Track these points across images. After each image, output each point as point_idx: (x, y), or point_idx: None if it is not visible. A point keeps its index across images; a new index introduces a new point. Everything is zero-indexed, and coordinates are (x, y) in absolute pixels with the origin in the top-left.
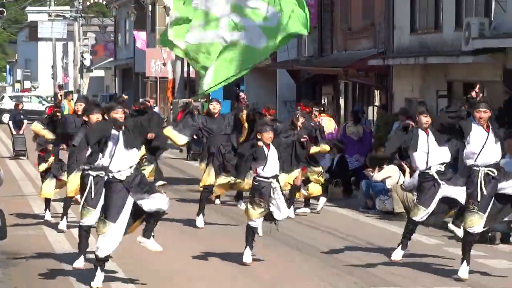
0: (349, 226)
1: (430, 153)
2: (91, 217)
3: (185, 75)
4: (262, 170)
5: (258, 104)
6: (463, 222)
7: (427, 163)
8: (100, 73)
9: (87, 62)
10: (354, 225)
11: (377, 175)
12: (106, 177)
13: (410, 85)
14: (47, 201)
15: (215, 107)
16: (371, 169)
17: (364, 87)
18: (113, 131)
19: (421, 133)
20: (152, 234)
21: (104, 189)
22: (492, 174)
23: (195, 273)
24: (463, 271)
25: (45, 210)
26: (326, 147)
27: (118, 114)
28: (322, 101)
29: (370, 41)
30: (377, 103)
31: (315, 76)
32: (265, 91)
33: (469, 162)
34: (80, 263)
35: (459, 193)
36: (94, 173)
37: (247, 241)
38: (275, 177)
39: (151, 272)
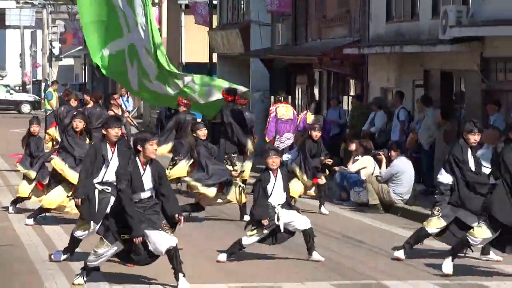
0: (323, 218)
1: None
2: (88, 231)
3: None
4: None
5: None
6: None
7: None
8: (69, 61)
9: (56, 51)
10: (328, 217)
11: (352, 166)
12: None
13: (386, 75)
14: (20, 199)
15: (204, 133)
16: (342, 166)
17: (339, 76)
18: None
19: (468, 150)
20: (182, 274)
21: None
22: None
23: (165, 264)
24: (448, 266)
25: (12, 204)
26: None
27: (153, 146)
28: (296, 90)
29: (345, 29)
30: (352, 92)
31: (289, 65)
32: (238, 80)
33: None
34: (60, 257)
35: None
36: (100, 187)
37: (230, 251)
38: (281, 204)
39: (117, 264)
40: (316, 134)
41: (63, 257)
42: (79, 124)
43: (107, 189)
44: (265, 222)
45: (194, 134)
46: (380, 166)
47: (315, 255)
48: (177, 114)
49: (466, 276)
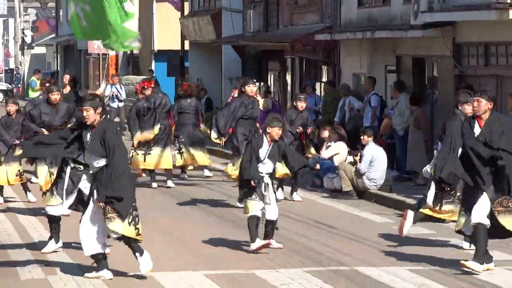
0: (297, 204)
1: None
2: (57, 204)
3: (128, 51)
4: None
5: (202, 80)
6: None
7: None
8: (41, 50)
9: (28, 39)
10: (302, 203)
11: (325, 153)
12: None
13: (358, 60)
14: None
15: (252, 89)
16: (316, 153)
17: (311, 62)
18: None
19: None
20: (138, 254)
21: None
22: None
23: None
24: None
25: None
26: None
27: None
28: (268, 77)
29: (317, 15)
30: (324, 79)
31: (261, 51)
32: (210, 67)
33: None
34: (50, 248)
35: None
36: (72, 164)
37: (252, 233)
38: (268, 174)
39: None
40: (302, 105)
41: (55, 246)
42: (11, 108)
43: (79, 167)
44: (253, 182)
45: (243, 90)
46: (356, 163)
47: (273, 243)
48: (136, 102)
49: (439, 262)
